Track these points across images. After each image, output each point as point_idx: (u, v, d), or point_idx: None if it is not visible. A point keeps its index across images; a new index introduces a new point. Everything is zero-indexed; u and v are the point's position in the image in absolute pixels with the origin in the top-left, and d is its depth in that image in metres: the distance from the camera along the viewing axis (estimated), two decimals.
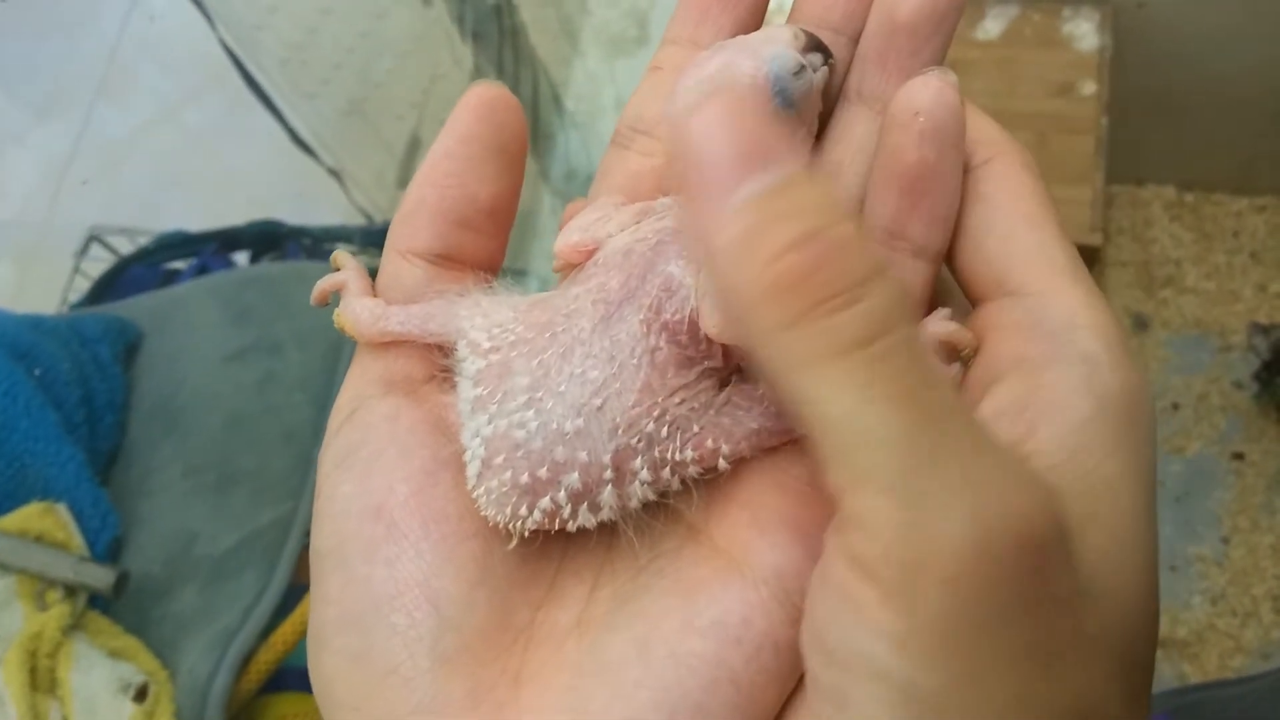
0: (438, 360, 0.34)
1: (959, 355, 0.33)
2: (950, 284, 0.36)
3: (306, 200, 1.31)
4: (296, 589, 0.77)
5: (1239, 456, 1.41)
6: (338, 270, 0.37)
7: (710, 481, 0.32)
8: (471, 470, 0.32)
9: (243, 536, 0.77)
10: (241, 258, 1.08)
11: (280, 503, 0.79)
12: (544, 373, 0.31)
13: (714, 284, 0.28)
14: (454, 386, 0.33)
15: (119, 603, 0.73)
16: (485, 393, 0.32)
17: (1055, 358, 0.29)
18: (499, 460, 0.31)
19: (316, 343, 0.86)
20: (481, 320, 0.33)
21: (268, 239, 1.06)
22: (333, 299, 0.37)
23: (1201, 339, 1.48)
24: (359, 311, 0.34)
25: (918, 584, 0.24)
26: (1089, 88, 1.22)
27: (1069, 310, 0.30)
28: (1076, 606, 0.26)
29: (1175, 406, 1.45)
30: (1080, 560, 0.26)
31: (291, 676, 0.77)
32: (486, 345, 0.32)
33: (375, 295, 0.35)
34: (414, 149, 1.26)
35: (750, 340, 0.26)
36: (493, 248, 0.35)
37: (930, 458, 0.24)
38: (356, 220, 1.25)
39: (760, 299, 0.25)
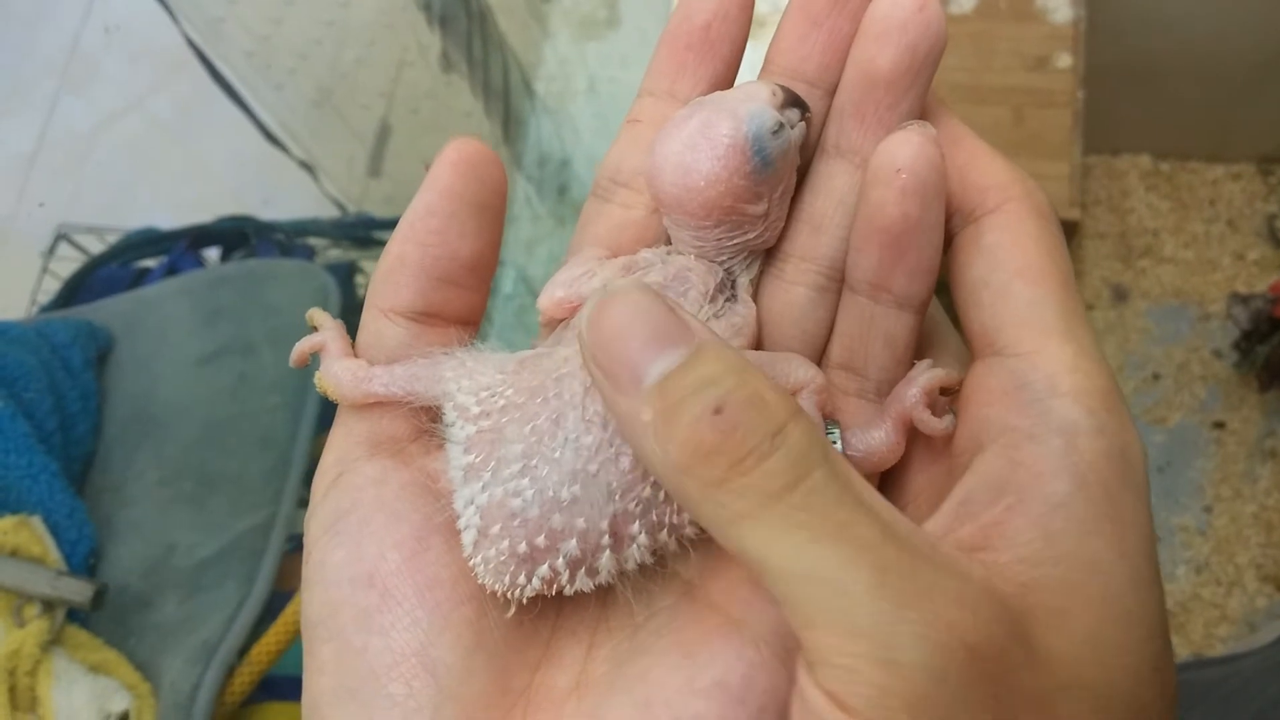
0: (422, 419, 0.34)
1: (951, 393, 0.33)
2: (938, 321, 0.36)
3: (279, 189, 1.30)
4: (278, 596, 0.77)
5: (1220, 425, 1.41)
6: (315, 329, 0.36)
7: (706, 538, 0.32)
8: (467, 539, 0.31)
9: (222, 545, 0.77)
10: (212, 254, 1.06)
11: (258, 509, 0.78)
12: (537, 439, 0.31)
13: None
14: (439, 445, 0.33)
15: (99, 615, 0.72)
16: (478, 460, 0.31)
17: (1034, 431, 0.29)
18: (496, 529, 0.31)
19: (290, 341, 0.84)
20: (468, 383, 0.33)
21: (238, 235, 1.05)
22: (312, 360, 0.36)
23: (1181, 308, 1.48)
24: (340, 374, 0.34)
25: (887, 712, 0.24)
26: (1064, 60, 1.21)
27: (1052, 374, 0.30)
28: (1053, 701, 0.27)
29: (1156, 377, 1.45)
30: (1054, 653, 0.27)
31: (283, 685, 0.76)
32: (476, 410, 0.32)
33: (355, 355, 0.35)
34: (384, 137, 1.24)
35: (688, 509, 0.28)
36: (475, 302, 0.35)
37: (873, 590, 0.25)
38: (328, 208, 1.24)
39: (685, 470, 0.26)
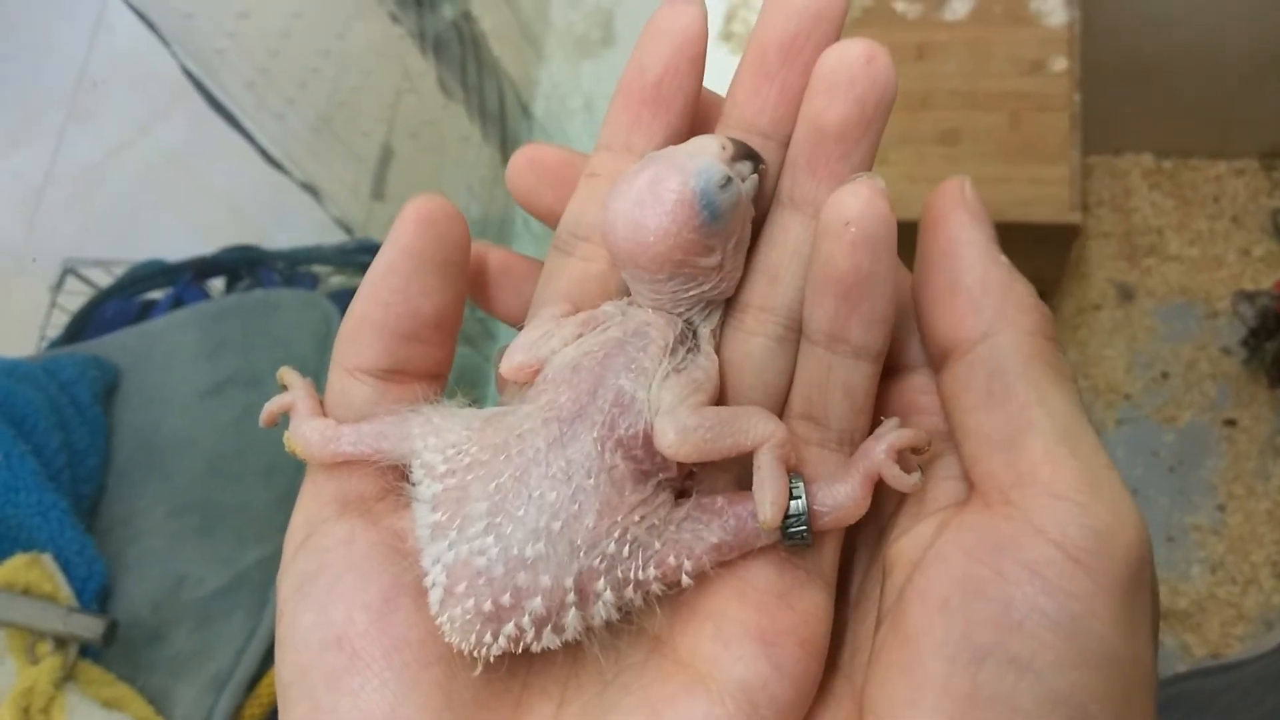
0: (389, 478, 0.34)
1: (920, 454, 0.33)
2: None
3: (284, 215, 1.30)
4: None
5: (1231, 423, 1.41)
6: (285, 389, 0.37)
7: (672, 593, 0.32)
8: (434, 597, 0.32)
9: (231, 577, 0.77)
10: (217, 284, 1.07)
11: (265, 541, 0.79)
12: (501, 497, 0.31)
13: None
14: (407, 504, 0.33)
15: (111, 650, 0.72)
16: (444, 518, 0.32)
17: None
18: (461, 588, 0.31)
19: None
20: (435, 440, 0.33)
21: (242, 265, 1.06)
22: (281, 420, 0.36)
23: (1187, 306, 1.47)
24: (309, 433, 0.34)
25: (1105, 549, 0.28)
26: (1060, 63, 1.21)
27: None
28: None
29: (1165, 375, 1.45)
30: None
31: None
32: (442, 469, 0.32)
33: (324, 414, 0.35)
34: (386, 160, 1.25)
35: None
36: (440, 357, 0.35)
37: (1099, 458, 0.30)
38: (334, 233, 1.24)
39: None
